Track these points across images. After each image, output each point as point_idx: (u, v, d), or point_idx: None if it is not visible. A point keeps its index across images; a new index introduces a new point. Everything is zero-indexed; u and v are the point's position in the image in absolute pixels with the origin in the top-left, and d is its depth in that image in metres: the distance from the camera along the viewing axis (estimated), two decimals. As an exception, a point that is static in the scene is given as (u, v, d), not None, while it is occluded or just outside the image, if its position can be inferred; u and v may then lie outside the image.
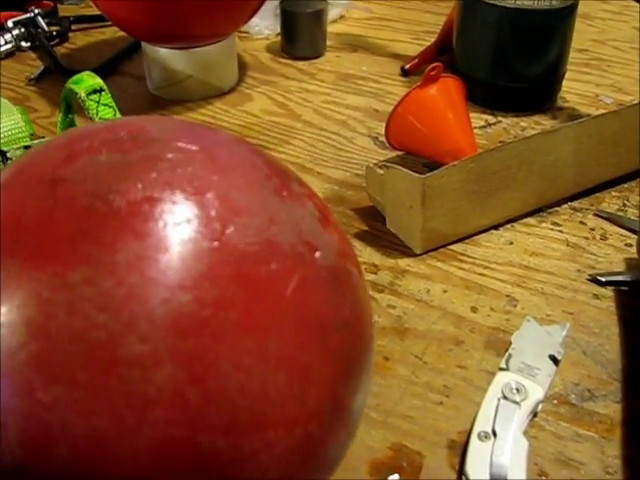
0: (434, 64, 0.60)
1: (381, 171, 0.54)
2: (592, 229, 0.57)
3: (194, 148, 0.26)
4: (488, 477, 0.38)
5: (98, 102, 0.56)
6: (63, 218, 0.23)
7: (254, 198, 0.25)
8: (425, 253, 0.54)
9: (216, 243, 0.23)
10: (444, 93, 0.61)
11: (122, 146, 0.25)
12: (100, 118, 0.56)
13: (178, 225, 0.23)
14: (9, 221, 0.23)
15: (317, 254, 0.26)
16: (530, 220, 0.58)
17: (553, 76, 0.73)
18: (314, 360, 0.24)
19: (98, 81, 0.56)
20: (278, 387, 0.23)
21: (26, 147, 0.50)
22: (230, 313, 0.22)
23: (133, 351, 0.21)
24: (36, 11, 0.87)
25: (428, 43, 0.84)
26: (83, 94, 0.55)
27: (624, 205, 0.60)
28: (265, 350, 0.23)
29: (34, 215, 0.23)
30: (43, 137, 0.54)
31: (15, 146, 0.50)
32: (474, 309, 0.50)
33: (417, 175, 0.51)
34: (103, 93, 0.56)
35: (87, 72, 0.57)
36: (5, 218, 0.23)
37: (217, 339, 0.22)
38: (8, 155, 0.49)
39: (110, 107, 0.56)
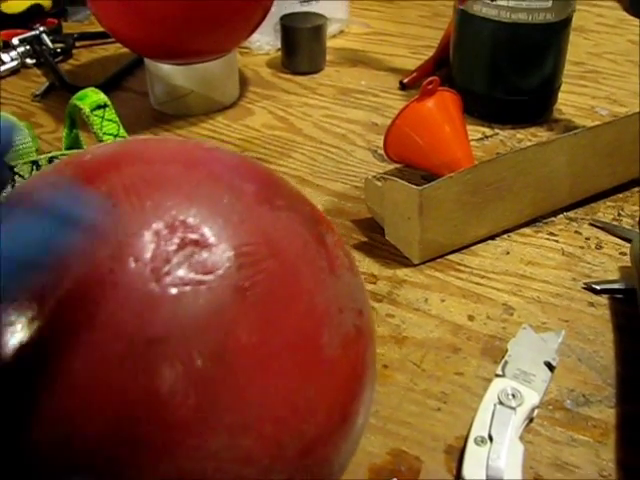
0: (431, 78, 0.62)
1: (379, 183, 0.56)
2: (587, 238, 0.58)
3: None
4: (485, 480, 0.38)
5: (102, 117, 0.57)
6: None
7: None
8: (423, 263, 0.55)
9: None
10: (441, 106, 0.63)
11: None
12: (104, 133, 0.57)
13: None
14: None
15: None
16: (526, 230, 0.59)
17: (549, 89, 0.74)
18: (325, 379, 0.25)
19: (102, 97, 0.57)
20: (294, 410, 0.24)
21: (33, 162, 0.51)
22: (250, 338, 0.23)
23: None
24: (41, 29, 0.89)
25: (426, 57, 0.85)
26: (87, 110, 0.56)
27: (619, 215, 0.61)
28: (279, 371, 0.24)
29: None
30: (49, 152, 0.55)
31: (22, 161, 0.51)
32: (471, 317, 0.51)
33: (414, 187, 0.52)
34: (107, 109, 0.57)
35: (91, 88, 0.58)
36: None
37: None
38: (15, 170, 0.50)
39: (114, 122, 0.58)
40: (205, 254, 0.24)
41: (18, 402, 0.23)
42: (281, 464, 0.24)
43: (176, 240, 0.24)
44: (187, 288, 0.23)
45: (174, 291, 0.23)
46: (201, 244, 0.24)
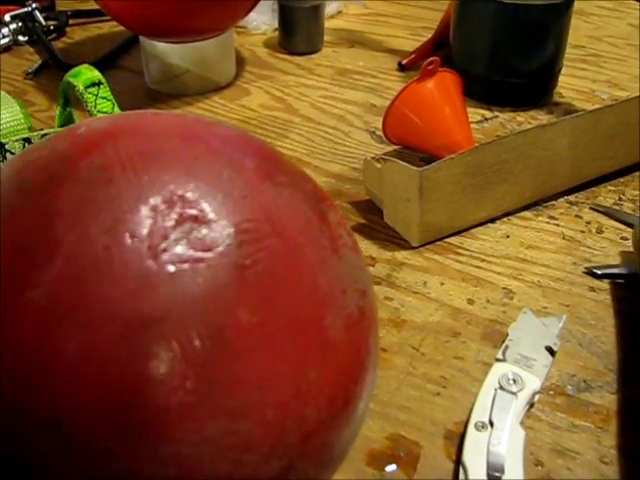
0: (431, 58, 0.61)
1: (378, 165, 0.55)
2: (588, 223, 0.57)
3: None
4: (485, 466, 0.38)
5: (96, 95, 0.56)
6: None
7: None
8: (422, 246, 0.55)
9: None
10: (441, 87, 0.62)
11: None
12: (98, 111, 0.56)
13: None
14: None
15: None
16: (526, 214, 0.58)
17: (549, 71, 0.73)
18: (327, 362, 0.25)
19: (96, 74, 0.56)
20: (296, 393, 0.23)
21: (25, 139, 0.50)
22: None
23: None
24: (33, 5, 0.87)
25: (425, 39, 0.84)
26: (81, 87, 0.55)
27: (620, 199, 0.60)
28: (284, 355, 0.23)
29: None
30: (41, 129, 0.54)
31: (14, 138, 0.50)
32: (471, 301, 0.50)
33: (415, 168, 0.51)
34: (101, 86, 0.56)
35: (85, 65, 0.57)
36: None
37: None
38: (7, 147, 0.49)
39: (108, 100, 0.56)
40: (204, 230, 0.23)
41: (7, 384, 0.22)
42: (281, 450, 0.23)
43: (174, 216, 0.23)
44: (185, 266, 0.22)
45: (172, 269, 0.22)
46: (200, 220, 0.23)
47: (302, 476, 0.24)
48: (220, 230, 0.23)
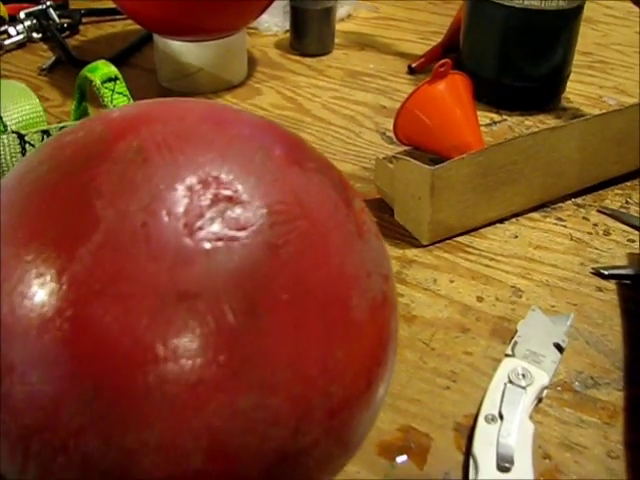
0: (443, 60, 0.62)
1: (391, 164, 0.55)
2: (595, 225, 0.58)
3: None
4: (495, 457, 0.38)
5: (113, 90, 0.57)
6: None
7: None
8: (432, 244, 0.55)
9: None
10: (452, 89, 0.62)
11: None
12: (114, 106, 0.56)
13: None
14: None
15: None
16: (535, 215, 0.59)
17: (558, 76, 0.74)
18: (353, 342, 0.25)
19: (113, 69, 0.57)
20: (323, 370, 0.24)
21: (44, 131, 0.51)
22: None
23: None
24: (48, 3, 0.88)
25: (434, 43, 0.85)
26: (98, 82, 0.56)
27: (627, 202, 0.61)
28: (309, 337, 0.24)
29: None
30: (59, 122, 0.55)
31: (33, 130, 0.51)
32: (480, 299, 0.51)
33: (427, 166, 0.52)
34: (118, 81, 0.57)
35: (102, 60, 0.57)
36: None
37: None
38: (26, 139, 0.50)
39: (124, 96, 0.57)
40: (238, 210, 0.24)
41: (48, 355, 0.22)
42: (307, 425, 0.24)
43: (209, 195, 0.24)
44: (220, 243, 0.23)
45: (207, 246, 0.23)
46: (234, 200, 0.24)
47: (325, 453, 0.25)
48: (253, 210, 0.24)
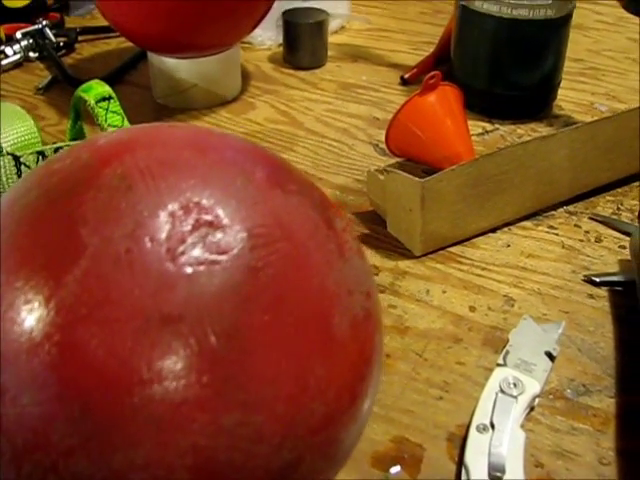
0: (433, 72, 0.62)
1: (382, 176, 0.56)
2: (587, 232, 0.59)
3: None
4: (486, 466, 0.39)
5: (107, 109, 0.58)
6: None
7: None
8: (425, 255, 0.56)
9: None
10: (443, 100, 0.63)
11: None
12: (109, 125, 0.57)
13: None
14: None
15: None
16: (526, 223, 0.60)
17: (549, 84, 0.75)
18: (335, 359, 0.26)
19: (107, 89, 0.57)
20: (305, 388, 0.24)
21: (39, 152, 0.52)
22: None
23: None
24: (44, 23, 0.89)
25: (426, 53, 0.86)
26: (92, 101, 0.57)
27: (618, 209, 0.61)
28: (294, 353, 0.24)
29: None
30: (54, 142, 0.56)
31: (28, 151, 0.52)
32: (472, 308, 0.51)
33: (416, 179, 0.52)
34: (112, 100, 0.58)
35: (96, 80, 0.58)
36: None
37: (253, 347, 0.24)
38: (22, 160, 0.51)
39: (119, 114, 0.58)
40: (219, 235, 0.25)
41: (36, 379, 0.23)
42: (291, 442, 0.24)
43: (191, 221, 0.25)
44: (202, 268, 0.24)
45: (189, 270, 0.24)
46: (215, 225, 0.25)
47: (311, 468, 0.25)
48: (234, 234, 0.25)
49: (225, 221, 0.25)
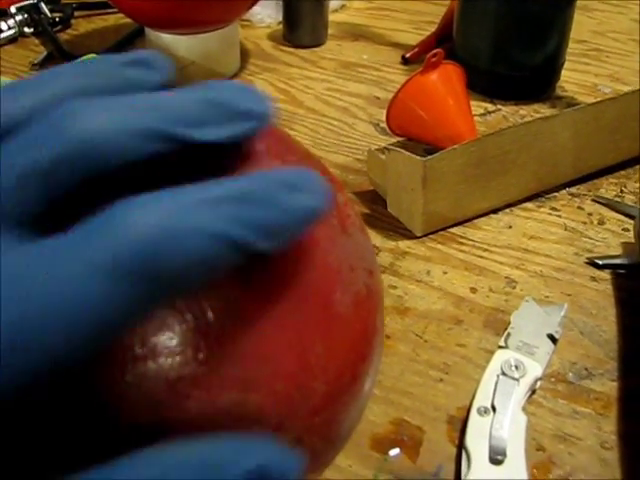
0: (435, 50, 0.61)
1: (383, 155, 0.55)
2: (590, 214, 0.58)
3: None
4: (487, 449, 0.38)
5: (103, 85, 0.56)
6: None
7: None
8: (425, 235, 0.55)
9: None
10: (445, 79, 0.62)
11: None
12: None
13: None
14: None
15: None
16: (529, 205, 0.59)
17: (552, 65, 0.74)
18: (336, 337, 0.25)
19: (103, 64, 0.56)
20: (305, 366, 0.24)
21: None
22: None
23: None
24: (39, -3, 0.87)
25: (428, 33, 0.84)
26: (88, 76, 0.55)
27: (621, 191, 0.60)
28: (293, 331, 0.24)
29: None
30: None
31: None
32: (473, 290, 0.50)
33: (418, 158, 0.51)
34: (108, 76, 0.56)
35: (92, 55, 0.57)
36: None
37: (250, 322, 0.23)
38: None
39: (115, 90, 0.57)
40: None
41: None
42: (290, 422, 0.24)
43: None
44: None
45: None
46: None
47: (310, 449, 0.25)
48: None
49: None
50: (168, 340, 0.22)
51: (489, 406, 0.41)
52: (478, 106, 0.72)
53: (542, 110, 0.72)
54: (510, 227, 0.56)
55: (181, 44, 0.74)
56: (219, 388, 0.22)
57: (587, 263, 0.53)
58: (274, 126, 0.29)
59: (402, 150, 0.53)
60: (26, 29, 0.86)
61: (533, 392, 0.43)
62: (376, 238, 0.55)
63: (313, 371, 0.24)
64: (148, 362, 0.22)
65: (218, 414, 0.22)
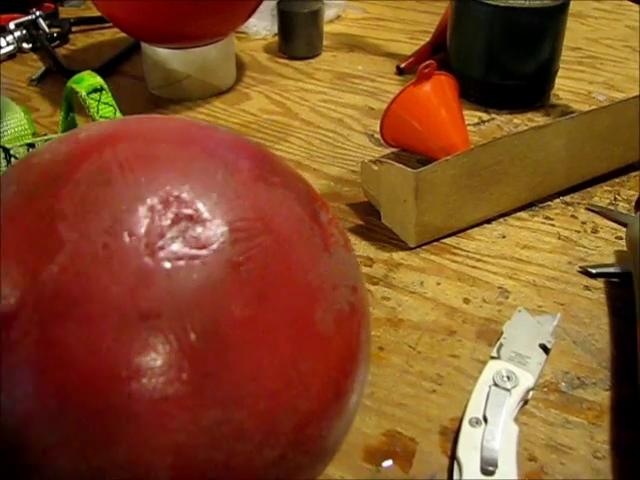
0: (428, 61, 0.62)
1: (376, 167, 0.56)
2: (583, 223, 0.58)
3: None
4: (479, 461, 0.39)
5: (99, 101, 0.57)
6: None
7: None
8: (419, 247, 0.55)
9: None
10: (437, 90, 0.62)
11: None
12: (101, 116, 0.57)
13: None
14: None
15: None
16: (522, 214, 0.59)
17: (546, 73, 0.74)
18: (318, 355, 0.25)
19: (98, 80, 0.57)
20: (287, 384, 0.24)
21: (29, 144, 0.51)
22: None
23: None
24: (37, 13, 0.88)
25: (423, 42, 0.85)
26: (84, 93, 0.56)
27: (615, 199, 0.61)
28: (276, 347, 0.24)
29: None
30: (45, 134, 0.55)
31: (18, 143, 0.51)
32: (467, 300, 0.51)
33: (410, 170, 0.52)
34: (103, 92, 0.57)
35: (88, 71, 0.58)
36: None
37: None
38: (12, 152, 0.50)
39: (110, 106, 0.57)
40: (199, 229, 0.24)
41: (9, 377, 0.23)
42: (274, 439, 0.24)
43: (170, 215, 0.24)
44: (181, 262, 0.23)
45: (168, 265, 0.23)
46: (195, 219, 0.24)
47: (294, 466, 0.25)
48: (214, 229, 0.24)
49: (205, 215, 0.25)
50: (152, 361, 0.22)
51: (481, 417, 0.41)
52: (472, 115, 0.72)
53: (536, 118, 0.72)
54: (504, 237, 0.57)
55: (177, 58, 0.74)
56: (202, 407, 0.22)
57: (580, 272, 0.53)
58: (259, 147, 0.29)
59: (394, 162, 0.53)
60: (25, 45, 0.87)
61: (525, 402, 0.43)
62: (370, 249, 0.55)
63: (296, 389, 0.24)
64: (133, 382, 0.22)
65: (201, 433, 0.22)
